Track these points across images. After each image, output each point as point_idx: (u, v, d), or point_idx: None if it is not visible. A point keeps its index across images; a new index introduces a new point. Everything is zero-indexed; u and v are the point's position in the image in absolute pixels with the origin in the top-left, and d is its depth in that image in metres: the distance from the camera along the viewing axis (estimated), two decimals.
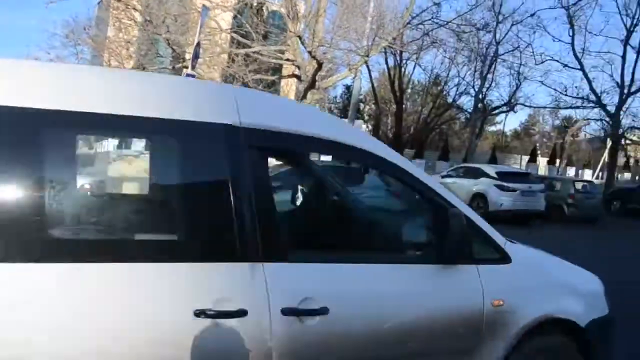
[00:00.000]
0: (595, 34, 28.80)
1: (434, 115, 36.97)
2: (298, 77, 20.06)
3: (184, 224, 2.14)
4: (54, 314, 1.79)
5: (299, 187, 3.41)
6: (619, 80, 26.98)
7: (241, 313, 1.99)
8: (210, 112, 2.18)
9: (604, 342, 3.06)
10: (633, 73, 26.68)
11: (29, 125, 1.87)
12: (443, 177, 18.08)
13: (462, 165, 19.56)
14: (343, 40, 20.42)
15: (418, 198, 2.82)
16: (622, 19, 26.66)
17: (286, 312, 2.07)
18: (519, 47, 26.73)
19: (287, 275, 2.15)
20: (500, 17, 25.21)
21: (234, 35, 19.88)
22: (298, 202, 3.40)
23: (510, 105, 29.31)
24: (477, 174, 16.78)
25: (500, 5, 25.01)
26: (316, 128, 2.44)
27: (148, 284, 1.94)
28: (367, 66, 29.27)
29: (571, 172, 37.00)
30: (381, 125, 37.98)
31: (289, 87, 34.26)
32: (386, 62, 33.59)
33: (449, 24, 20.41)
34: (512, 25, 25.66)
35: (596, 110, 30.33)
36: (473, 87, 30.03)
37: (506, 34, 25.78)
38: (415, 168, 2.67)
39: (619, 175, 35.68)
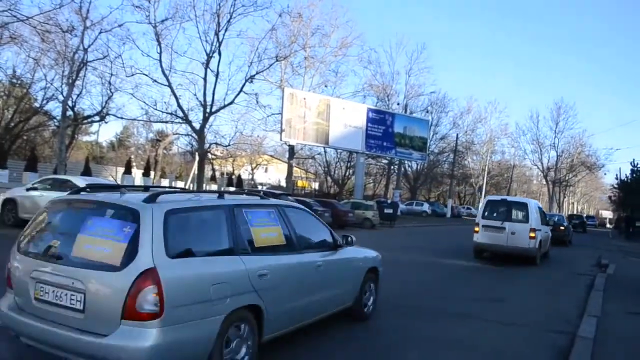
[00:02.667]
0: (180, 54, 30.74)
1: (19, 120, 32.99)
2: None
3: None
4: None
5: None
6: (202, 99, 29.30)
7: None
8: None
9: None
10: (213, 94, 29.42)
11: None
12: (28, 189, 16.11)
13: (51, 177, 17.79)
14: None
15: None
16: (202, 44, 29.19)
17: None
18: (108, 56, 26.14)
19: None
20: (88, 23, 24.07)
21: None
22: None
23: (101, 115, 28.45)
24: (67, 186, 15.43)
25: (88, 11, 23.91)
26: None
27: None
28: None
29: (165, 183, 38.51)
30: None
31: None
32: None
33: (30, 20, 18.31)
34: (101, 32, 24.84)
35: (185, 125, 32.29)
36: (61, 92, 27.98)
37: (94, 40, 24.78)
38: None
39: (208, 187, 38.93)
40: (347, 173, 51.95)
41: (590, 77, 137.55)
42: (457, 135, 59.77)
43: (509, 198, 19.33)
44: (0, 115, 34.43)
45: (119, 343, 3.76)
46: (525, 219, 15.69)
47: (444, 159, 62.75)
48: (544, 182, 73.22)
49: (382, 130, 40.73)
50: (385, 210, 32.48)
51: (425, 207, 53.53)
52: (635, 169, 45.30)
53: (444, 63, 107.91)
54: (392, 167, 53.72)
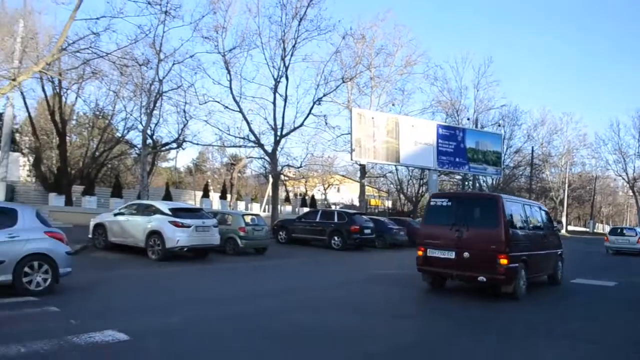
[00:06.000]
0: (249, 81, 31.51)
1: (103, 149, 34.91)
2: None
3: None
4: None
5: None
6: (272, 123, 29.89)
7: None
8: None
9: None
10: (283, 118, 29.95)
11: None
12: (116, 214, 16.99)
13: (135, 202, 18.67)
14: None
15: None
16: (270, 70, 29.87)
17: None
18: (182, 85, 27.30)
19: None
20: (162, 55, 25.36)
21: None
22: None
23: (178, 142, 29.62)
24: (151, 210, 16.20)
25: (161, 44, 25.20)
26: None
27: None
28: (22, 92, 26.07)
29: (241, 206, 39.41)
30: (44, 159, 34.01)
31: None
32: (43, 90, 30.40)
33: (109, 55, 19.48)
34: (174, 64, 26.07)
35: (257, 149, 33.00)
36: (140, 122, 29.44)
37: (168, 72, 26.03)
38: None
39: (282, 208, 39.51)
40: (420, 190, 51.20)
41: None
42: (533, 148, 57.67)
43: None
44: (86, 145, 36.60)
45: None
46: None
47: (520, 172, 60.52)
48: (631, 194, 69.00)
49: (454, 146, 39.91)
50: None
51: None
52: None
53: (513, 75, 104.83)
54: (466, 182, 52.47)
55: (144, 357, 6.04)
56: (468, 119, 50.74)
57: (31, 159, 33.65)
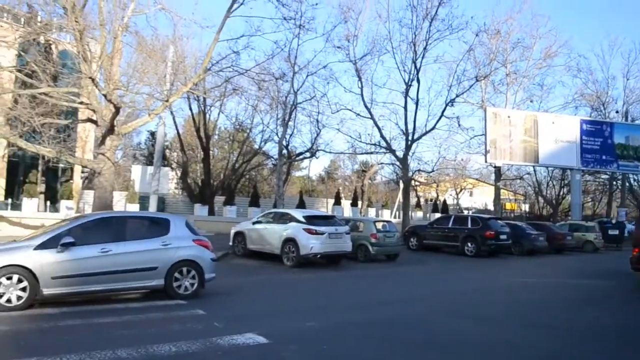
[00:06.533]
0: (380, 86, 31.76)
1: (242, 161, 37.06)
2: (94, 122, 18.48)
3: None
4: None
5: None
6: (404, 128, 29.73)
7: None
8: None
9: None
10: (414, 122, 29.71)
11: None
12: (254, 223, 17.88)
13: (272, 210, 19.57)
14: (142, 84, 19.53)
15: None
16: (400, 74, 29.75)
17: None
18: (315, 96, 28.23)
19: None
20: (296, 68, 26.46)
21: (18, 74, 17.75)
22: None
23: (312, 151, 30.56)
24: (286, 218, 16.85)
25: (296, 57, 26.27)
26: None
27: None
28: (172, 112, 28.52)
29: (372, 212, 39.61)
30: (190, 172, 36.95)
31: (86, 132, 31.75)
32: (190, 108, 33.07)
33: (248, 72, 20.69)
34: (308, 75, 27.10)
35: (388, 155, 33.06)
36: (276, 133, 30.84)
37: (302, 83, 27.10)
38: None
39: (413, 214, 39.09)
40: (561, 192, 47.86)
41: None
42: None
43: None
44: (227, 158, 39.11)
45: None
46: None
47: None
48: None
49: (600, 142, 36.92)
50: (610, 232, 29.34)
51: None
52: None
53: None
54: (614, 182, 48.06)
55: None
56: (616, 112, 46.45)
57: (179, 173, 36.65)
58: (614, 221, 33.30)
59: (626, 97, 48.24)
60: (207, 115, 34.88)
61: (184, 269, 9.75)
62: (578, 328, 8.61)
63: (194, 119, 33.65)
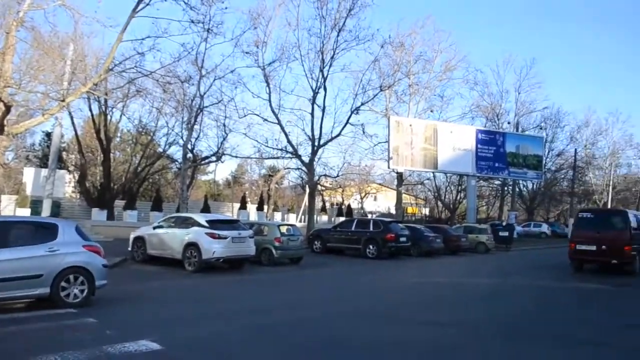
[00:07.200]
0: (288, 93, 32.03)
1: (145, 164, 35.83)
2: None
3: None
4: None
5: None
6: (310, 134, 30.12)
7: None
8: None
9: None
10: (321, 128, 30.16)
11: None
12: (155, 227, 17.43)
13: (174, 215, 19.14)
14: (37, 82, 18.43)
15: None
16: (308, 81, 30.13)
17: None
18: (222, 100, 27.90)
19: None
20: (204, 71, 26.06)
21: None
22: None
23: (218, 155, 30.14)
24: (189, 223, 16.54)
25: (203, 61, 25.90)
26: None
27: None
28: (70, 112, 27.04)
29: (278, 216, 39.67)
30: (89, 175, 35.13)
31: None
32: (90, 109, 31.52)
33: (153, 74, 20.10)
34: (215, 79, 26.75)
35: (294, 160, 33.31)
36: (182, 137, 30.17)
37: (209, 87, 26.71)
38: None
39: (318, 218, 39.57)
40: (459, 197, 50.52)
41: None
42: (576, 150, 56.09)
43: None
44: (129, 161, 37.65)
45: None
46: None
47: (562, 176, 58.87)
48: None
49: (493, 150, 39.41)
50: (500, 234, 31.29)
51: (544, 228, 50.51)
52: None
53: (556, 76, 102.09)
54: (505, 188, 51.47)
55: None
56: (509, 123, 49.94)
57: (77, 176, 34.78)
58: (504, 224, 35.58)
59: (517, 109, 52.03)
60: (109, 117, 33.44)
61: (72, 276, 9.24)
62: (467, 324, 9.17)
63: (94, 120, 32.09)
